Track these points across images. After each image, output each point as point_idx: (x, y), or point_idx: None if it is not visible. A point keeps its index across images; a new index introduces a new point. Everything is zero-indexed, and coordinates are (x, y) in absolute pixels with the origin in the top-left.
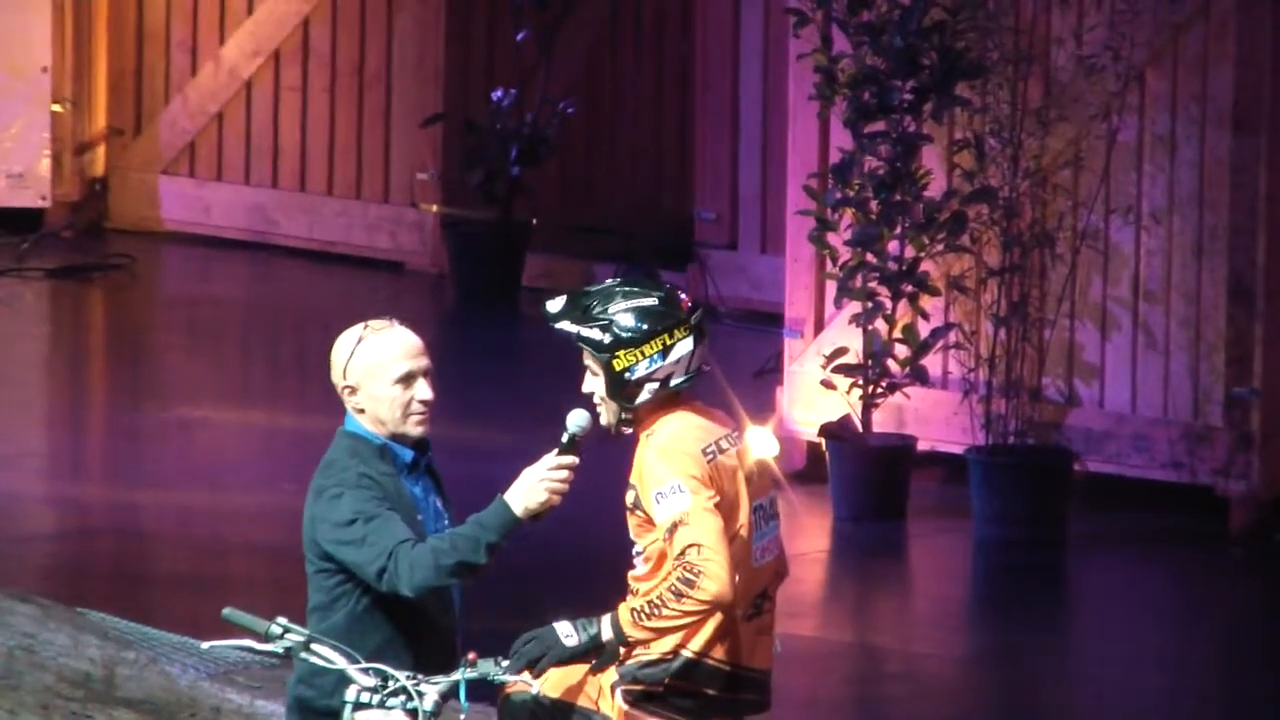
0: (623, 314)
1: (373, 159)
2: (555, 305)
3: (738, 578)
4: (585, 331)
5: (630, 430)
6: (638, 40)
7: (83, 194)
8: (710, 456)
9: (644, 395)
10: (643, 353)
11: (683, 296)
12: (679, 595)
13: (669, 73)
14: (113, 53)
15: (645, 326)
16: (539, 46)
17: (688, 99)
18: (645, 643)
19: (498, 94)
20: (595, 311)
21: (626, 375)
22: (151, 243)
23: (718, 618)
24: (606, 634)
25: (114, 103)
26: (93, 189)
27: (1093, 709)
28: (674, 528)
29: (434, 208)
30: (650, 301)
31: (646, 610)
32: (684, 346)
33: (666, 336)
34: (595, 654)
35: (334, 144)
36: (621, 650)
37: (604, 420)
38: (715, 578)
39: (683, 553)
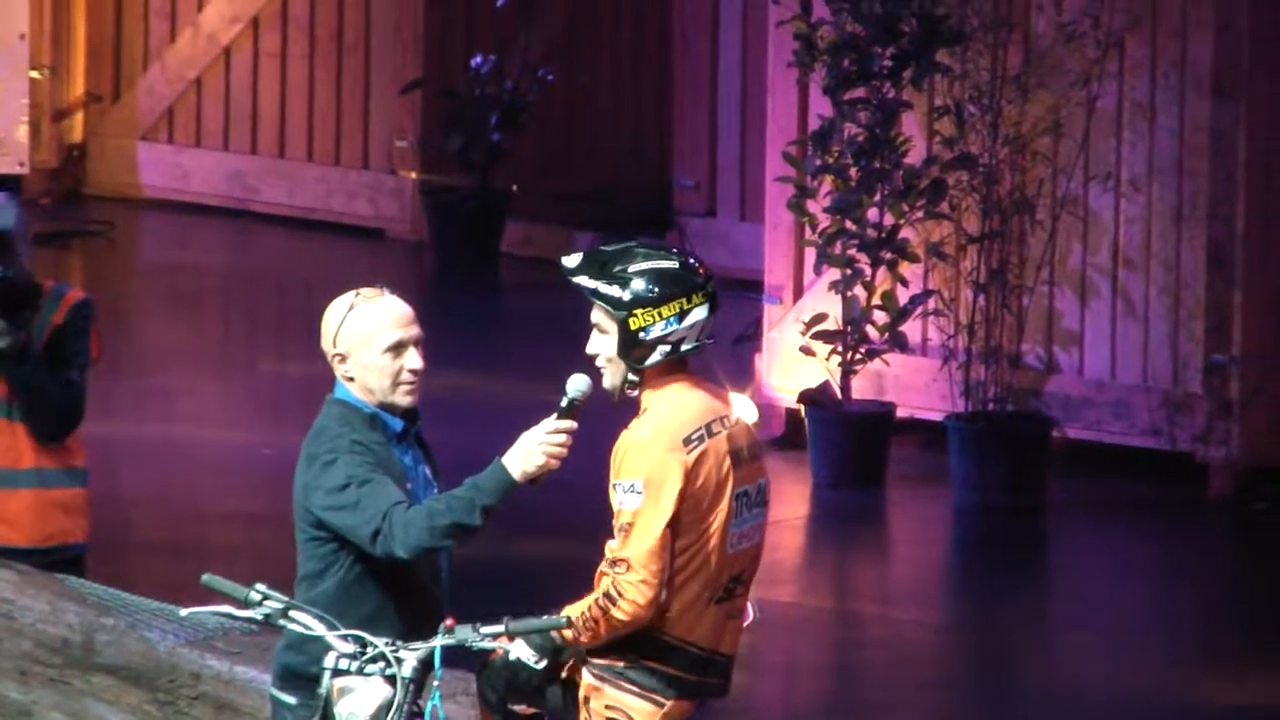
0: (642, 273)
1: (352, 125)
2: (572, 260)
3: (711, 560)
4: (604, 288)
5: (634, 393)
6: (617, 7)
7: (61, 160)
8: (695, 445)
9: (655, 357)
10: (660, 314)
11: (694, 262)
12: (604, 611)
13: (648, 40)
14: (91, 19)
15: (665, 288)
16: (519, 13)
17: (667, 66)
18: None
19: (477, 60)
20: (614, 269)
21: (641, 335)
22: (130, 209)
23: (685, 598)
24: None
25: (92, 69)
26: (71, 155)
27: (1071, 675)
28: (617, 529)
29: (413, 174)
30: (670, 264)
31: (581, 627)
32: (700, 313)
33: (684, 300)
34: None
35: (313, 110)
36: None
37: (608, 382)
38: (632, 601)
39: (614, 564)
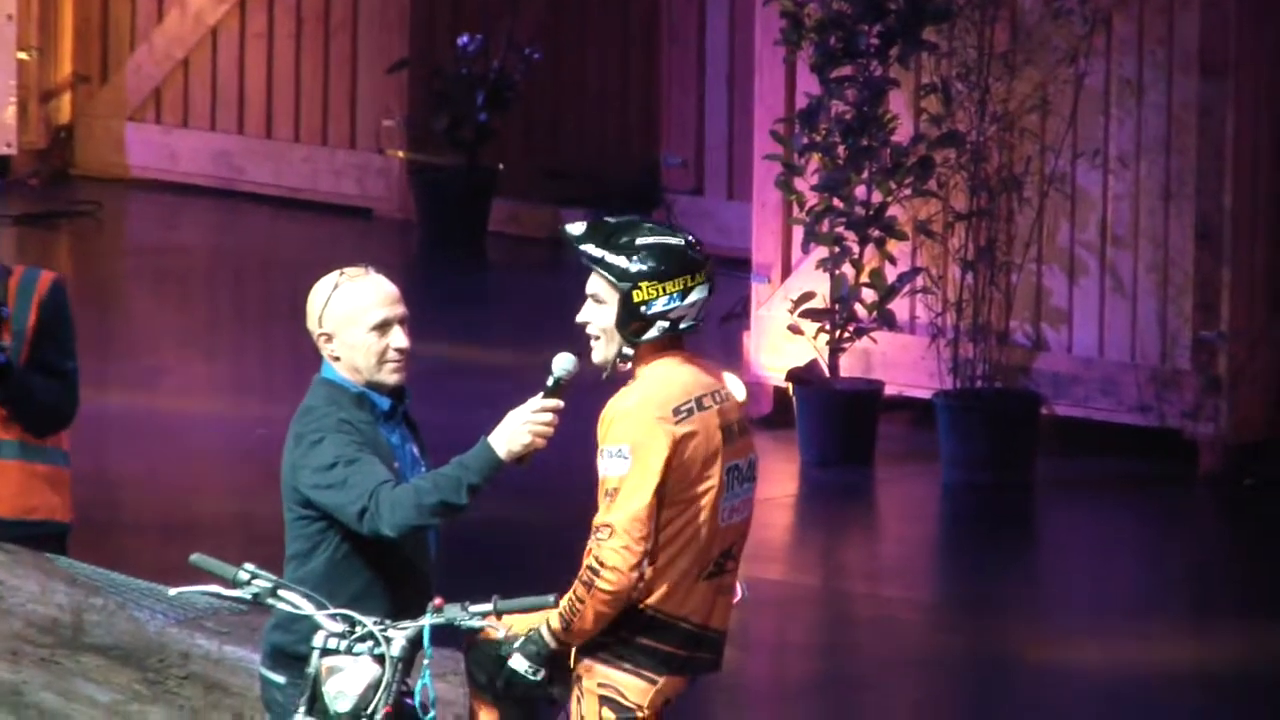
0: (649, 247)
1: (339, 105)
2: (577, 228)
3: (702, 534)
4: (610, 257)
5: (627, 367)
6: None
7: (49, 141)
8: (683, 415)
9: (652, 332)
10: (664, 289)
11: (695, 241)
12: (589, 587)
13: (636, 17)
14: (78, 0)
15: (671, 264)
16: None
17: (654, 44)
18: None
19: (464, 39)
20: (621, 240)
21: (643, 308)
22: (117, 189)
23: (676, 573)
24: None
25: (80, 50)
26: (59, 136)
27: (1059, 651)
28: (602, 495)
29: (400, 154)
30: (675, 241)
31: (568, 614)
32: (700, 292)
33: (688, 278)
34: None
35: (300, 90)
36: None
37: (600, 355)
38: (615, 569)
39: (596, 530)
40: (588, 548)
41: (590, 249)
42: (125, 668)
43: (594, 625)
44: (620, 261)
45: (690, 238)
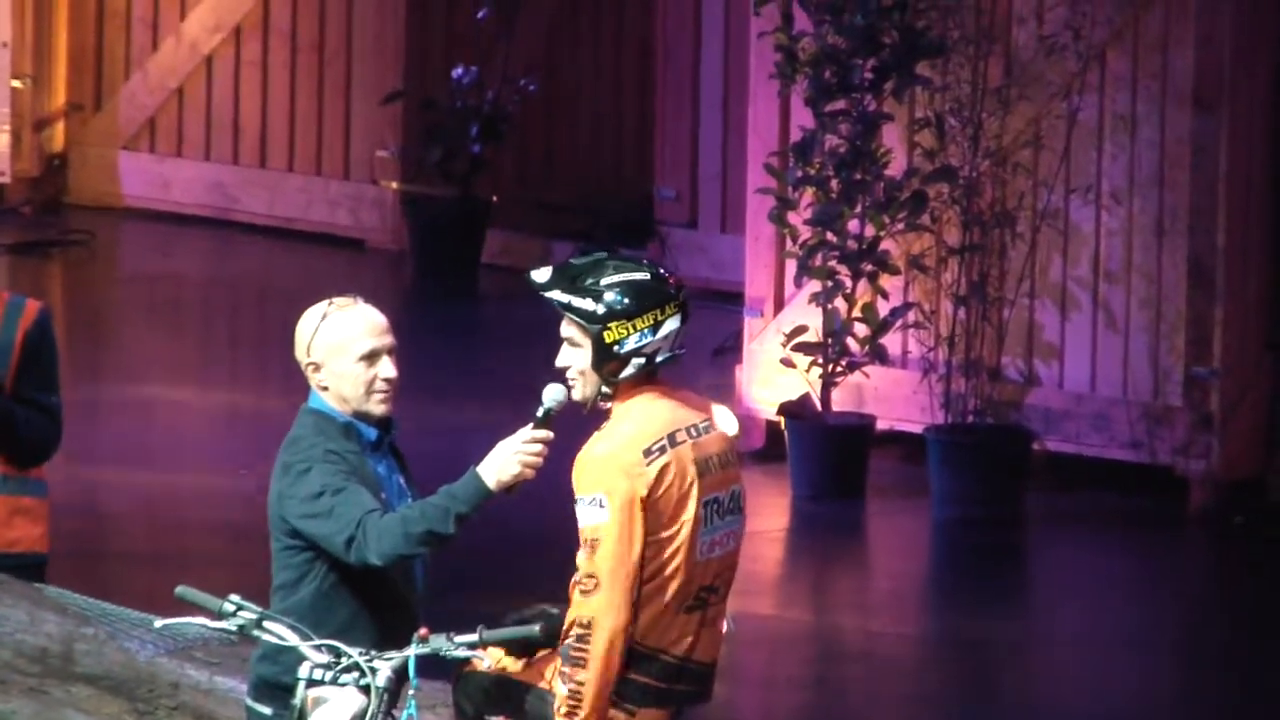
0: (615, 286)
1: (333, 136)
2: (542, 275)
3: (679, 568)
4: (577, 302)
5: (608, 405)
6: (599, 18)
7: (42, 170)
8: (654, 455)
9: (628, 370)
10: (634, 326)
11: (664, 273)
12: (582, 663)
13: (629, 51)
14: (73, 28)
15: (638, 300)
16: (500, 24)
17: (648, 77)
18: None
19: (458, 71)
20: (586, 282)
21: (615, 348)
22: (111, 219)
23: (654, 608)
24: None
25: (74, 78)
26: (52, 165)
27: (1049, 688)
28: (583, 544)
29: (394, 185)
30: (642, 276)
31: (573, 703)
32: (672, 323)
33: (658, 312)
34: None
35: (294, 120)
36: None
37: (580, 394)
38: (603, 627)
39: (579, 583)
40: (573, 582)
41: (556, 295)
42: (115, 698)
43: (604, 692)
44: (587, 305)
45: (659, 270)
